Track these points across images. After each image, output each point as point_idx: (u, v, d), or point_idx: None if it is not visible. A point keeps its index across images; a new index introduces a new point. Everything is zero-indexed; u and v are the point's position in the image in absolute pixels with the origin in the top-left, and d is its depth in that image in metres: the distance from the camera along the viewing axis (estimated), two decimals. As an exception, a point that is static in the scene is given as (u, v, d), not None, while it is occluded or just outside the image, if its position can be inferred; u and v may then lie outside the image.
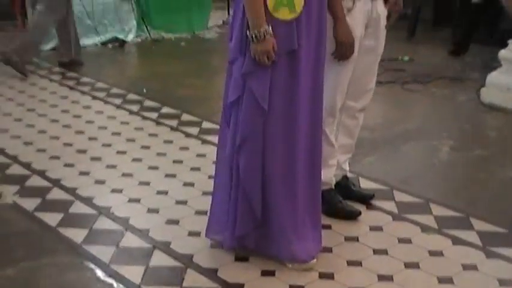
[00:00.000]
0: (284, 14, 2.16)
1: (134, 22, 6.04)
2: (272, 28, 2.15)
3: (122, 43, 5.90)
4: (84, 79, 4.87)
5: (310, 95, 2.29)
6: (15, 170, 3.24)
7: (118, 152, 3.49)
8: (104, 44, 5.89)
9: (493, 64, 4.58)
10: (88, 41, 5.73)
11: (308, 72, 2.25)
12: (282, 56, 2.18)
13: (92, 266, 2.37)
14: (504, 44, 4.41)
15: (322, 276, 2.32)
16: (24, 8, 5.96)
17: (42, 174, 3.17)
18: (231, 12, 6.91)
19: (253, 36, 2.13)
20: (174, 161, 3.37)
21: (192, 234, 2.60)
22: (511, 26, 5.43)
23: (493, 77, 4.36)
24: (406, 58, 5.50)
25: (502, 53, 4.32)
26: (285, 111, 2.23)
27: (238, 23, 2.22)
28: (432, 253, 2.49)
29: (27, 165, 3.27)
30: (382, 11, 2.62)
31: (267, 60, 2.15)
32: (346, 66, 2.59)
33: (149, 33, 6.14)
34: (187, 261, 2.40)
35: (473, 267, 2.40)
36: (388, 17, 2.66)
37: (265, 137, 2.22)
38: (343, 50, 2.49)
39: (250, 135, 2.22)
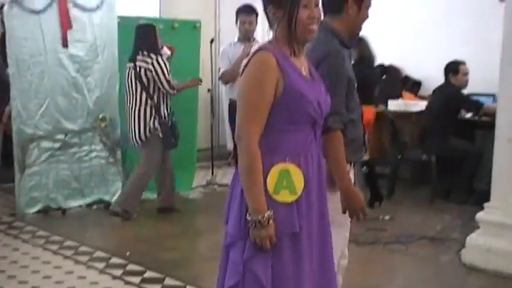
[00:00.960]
0: (284, 197, 2.16)
1: (120, 184, 6.15)
2: (272, 210, 2.13)
3: (107, 204, 5.96)
4: (68, 242, 4.86)
5: (317, 278, 2.24)
6: None
7: (99, 321, 3.42)
8: (88, 205, 5.95)
9: (472, 224, 4.68)
10: (73, 203, 5.81)
11: (313, 253, 2.23)
12: (283, 238, 2.16)
13: None
14: (481, 204, 4.54)
15: None
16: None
17: None
18: (215, 172, 7.12)
19: (257, 222, 2.10)
20: (157, 330, 3.30)
21: None
22: (486, 186, 5.62)
23: (472, 238, 4.44)
24: (387, 217, 5.60)
25: (480, 215, 4.43)
26: None
27: (237, 205, 2.20)
28: None
29: (4, 337, 3.19)
30: None
31: (269, 245, 2.12)
32: (346, 231, 2.70)
33: (134, 194, 6.23)
34: None
35: None
36: None
37: None
38: (355, 215, 2.60)
39: None
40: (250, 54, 2.25)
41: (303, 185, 2.18)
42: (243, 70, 2.22)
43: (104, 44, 5.93)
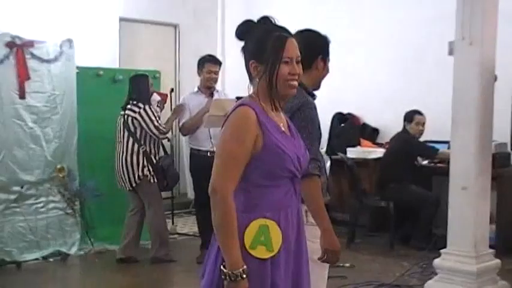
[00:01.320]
0: (261, 253, 2.15)
1: (78, 235, 6.05)
2: (246, 264, 2.11)
3: (65, 256, 5.85)
4: (23, 298, 4.74)
5: None
6: None
7: None
8: (45, 258, 5.81)
9: (430, 270, 4.73)
10: (29, 256, 5.67)
11: None
12: None
13: None
14: (439, 250, 4.59)
15: None
16: None
17: None
18: (175, 221, 7.06)
19: (233, 275, 2.08)
20: None
21: None
22: (444, 232, 5.72)
23: (430, 285, 4.48)
24: (347, 265, 5.61)
25: (437, 261, 4.49)
26: None
27: (212, 259, 2.19)
28: None
29: None
30: None
31: None
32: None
33: (93, 246, 6.13)
34: None
35: None
36: None
37: None
38: (330, 257, 2.65)
39: None
40: (231, 108, 2.25)
41: (280, 243, 2.17)
42: (223, 124, 2.24)
43: (62, 95, 5.92)
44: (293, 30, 2.85)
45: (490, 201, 4.59)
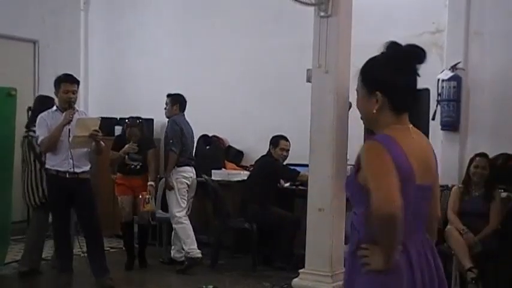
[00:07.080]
0: None
1: None
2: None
3: None
4: None
5: None
6: None
7: None
8: None
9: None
10: None
11: None
12: None
13: None
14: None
15: None
16: None
17: None
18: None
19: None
20: None
21: None
22: (303, 252, 5.89)
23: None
24: (210, 286, 5.61)
25: (295, 281, 4.61)
26: None
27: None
28: None
29: None
30: None
31: None
32: None
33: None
34: None
35: None
36: None
37: None
38: None
39: None
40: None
41: None
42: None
43: None
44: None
45: (345, 221, 4.79)
